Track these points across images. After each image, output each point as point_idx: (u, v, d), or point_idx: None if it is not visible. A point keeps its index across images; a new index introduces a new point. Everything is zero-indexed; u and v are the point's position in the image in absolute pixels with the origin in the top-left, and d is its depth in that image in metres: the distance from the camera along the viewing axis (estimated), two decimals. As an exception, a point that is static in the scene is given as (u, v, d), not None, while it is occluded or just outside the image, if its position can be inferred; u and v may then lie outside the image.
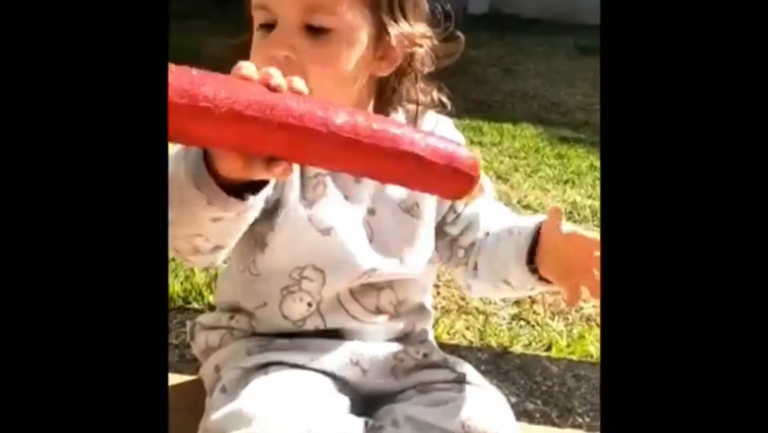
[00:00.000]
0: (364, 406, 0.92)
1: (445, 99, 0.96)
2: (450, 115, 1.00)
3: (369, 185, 0.94)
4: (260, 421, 0.79)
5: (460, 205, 0.99)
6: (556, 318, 1.62)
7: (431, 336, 1.06)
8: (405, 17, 0.89)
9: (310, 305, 0.93)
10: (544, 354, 1.49)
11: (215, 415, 0.83)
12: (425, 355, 0.96)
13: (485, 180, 1.02)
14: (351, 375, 0.92)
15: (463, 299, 1.65)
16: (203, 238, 0.79)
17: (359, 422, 0.84)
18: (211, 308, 1.33)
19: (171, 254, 0.81)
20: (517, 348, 1.50)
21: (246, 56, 0.89)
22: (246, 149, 0.66)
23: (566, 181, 2.66)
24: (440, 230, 0.99)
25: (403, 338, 0.99)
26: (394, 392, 0.94)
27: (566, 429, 1.28)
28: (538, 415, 1.30)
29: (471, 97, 3.74)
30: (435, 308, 1.54)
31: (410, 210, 0.96)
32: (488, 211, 1.00)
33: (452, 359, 0.99)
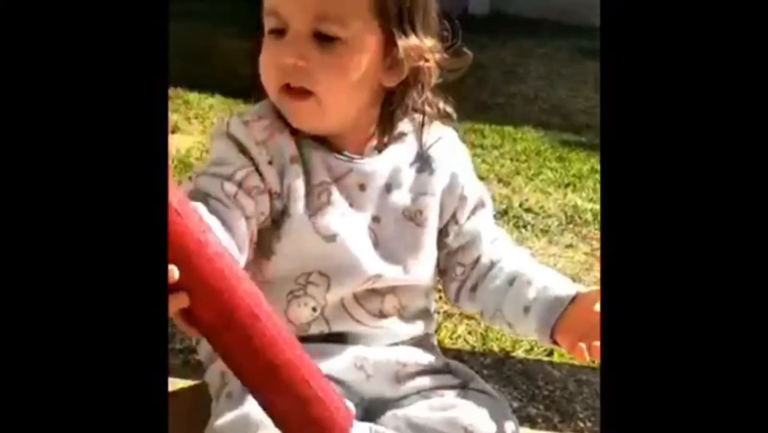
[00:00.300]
0: (368, 411, 0.92)
1: (451, 110, 0.97)
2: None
3: (373, 193, 0.95)
4: (267, 427, 0.79)
5: (462, 216, 1.00)
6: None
7: (434, 341, 1.07)
8: (414, 30, 0.90)
9: (314, 309, 0.93)
10: (546, 359, 1.49)
11: (221, 421, 0.83)
12: (429, 360, 0.97)
13: (485, 195, 1.03)
14: (355, 380, 0.93)
15: (465, 303, 1.65)
16: None
17: (364, 428, 0.85)
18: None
19: None
20: (519, 353, 1.50)
21: (257, 58, 0.90)
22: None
23: (567, 185, 2.67)
24: (440, 241, 1.00)
25: (406, 342, 1.00)
26: (397, 397, 0.94)
27: (568, 433, 1.29)
28: (540, 420, 1.31)
29: (472, 99, 3.75)
30: (437, 312, 1.54)
31: (414, 218, 0.97)
32: (490, 233, 1.01)
33: (455, 364, 0.99)
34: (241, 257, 0.85)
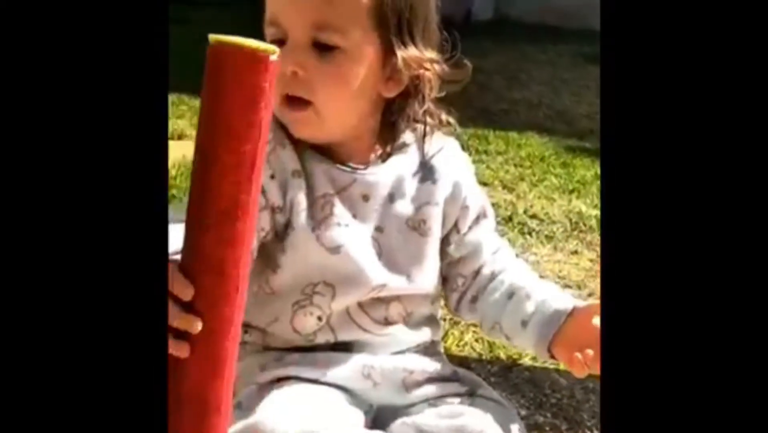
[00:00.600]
0: (377, 419, 0.93)
1: (453, 120, 0.98)
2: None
3: (377, 204, 0.95)
4: (277, 435, 0.80)
5: (464, 226, 1.00)
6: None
7: (441, 348, 1.07)
8: (413, 41, 0.91)
9: (320, 318, 0.94)
10: (552, 366, 1.49)
11: (231, 430, 0.83)
12: (435, 367, 0.97)
13: (487, 205, 1.03)
14: (363, 388, 0.93)
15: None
16: None
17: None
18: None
19: None
20: (526, 360, 1.50)
21: None
22: None
23: (572, 191, 2.67)
24: (441, 250, 1.00)
25: (413, 350, 1.00)
26: (405, 405, 0.94)
27: (575, 441, 1.28)
28: (547, 428, 1.31)
29: (475, 105, 3.75)
30: (443, 319, 1.54)
31: (417, 227, 0.97)
32: (491, 243, 1.02)
33: (462, 371, 0.99)
34: None
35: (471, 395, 0.95)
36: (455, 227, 1.00)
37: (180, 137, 3.04)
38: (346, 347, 0.95)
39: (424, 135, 0.97)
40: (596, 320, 0.88)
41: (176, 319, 0.67)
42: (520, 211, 2.39)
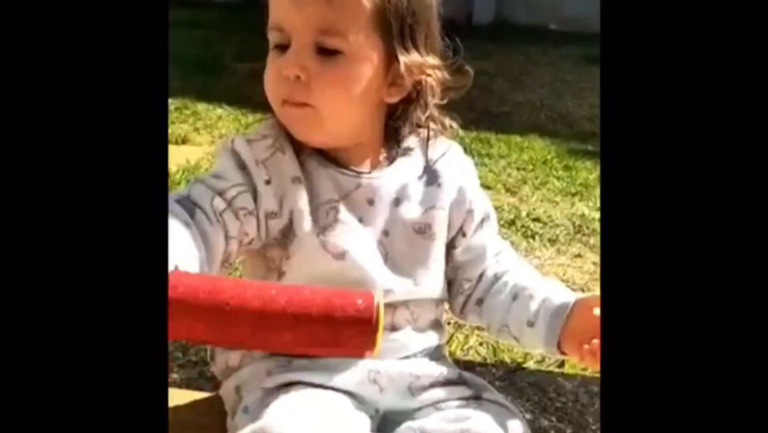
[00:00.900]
0: (384, 424, 0.93)
1: (456, 126, 0.98)
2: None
3: (382, 208, 0.95)
4: (285, 439, 0.80)
5: (469, 230, 1.00)
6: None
7: (446, 352, 1.07)
8: (416, 47, 0.91)
9: (326, 323, 0.94)
10: (557, 370, 1.49)
11: (238, 435, 0.84)
12: (441, 371, 0.97)
13: (490, 208, 1.04)
14: (369, 393, 0.93)
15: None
16: None
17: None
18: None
19: None
20: (531, 364, 1.50)
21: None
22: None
23: (574, 194, 2.67)
24: (447, 254, 1.00)
25: (419, 354, 1.00)
26: (412, 409, 0.95)
27: (580, 445, 1.29)
28: (552, 431, 1.31)
29: (477, 107, 3.75)
30: (447, 323, 1.55)
31: (423, 231, 0.97)
32: (494, 246, 1.02)
33: (468, 375, 1.00)
34: (209, 272, 0.85)
35: (477, 399, 0.95)
36: (461, 231, 1.00)
37: (184, 142, 3.06)
38: (352, 353, 0.95)
39: (428, 139, 0.98)
40: (597, 311, 0.88)
41: None
42: (523, 214, 2.39)
